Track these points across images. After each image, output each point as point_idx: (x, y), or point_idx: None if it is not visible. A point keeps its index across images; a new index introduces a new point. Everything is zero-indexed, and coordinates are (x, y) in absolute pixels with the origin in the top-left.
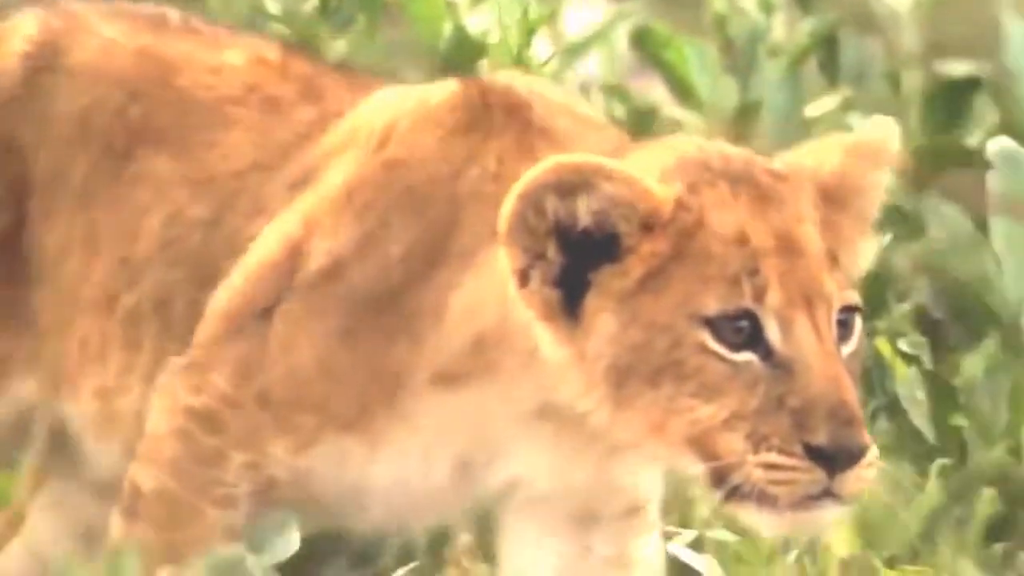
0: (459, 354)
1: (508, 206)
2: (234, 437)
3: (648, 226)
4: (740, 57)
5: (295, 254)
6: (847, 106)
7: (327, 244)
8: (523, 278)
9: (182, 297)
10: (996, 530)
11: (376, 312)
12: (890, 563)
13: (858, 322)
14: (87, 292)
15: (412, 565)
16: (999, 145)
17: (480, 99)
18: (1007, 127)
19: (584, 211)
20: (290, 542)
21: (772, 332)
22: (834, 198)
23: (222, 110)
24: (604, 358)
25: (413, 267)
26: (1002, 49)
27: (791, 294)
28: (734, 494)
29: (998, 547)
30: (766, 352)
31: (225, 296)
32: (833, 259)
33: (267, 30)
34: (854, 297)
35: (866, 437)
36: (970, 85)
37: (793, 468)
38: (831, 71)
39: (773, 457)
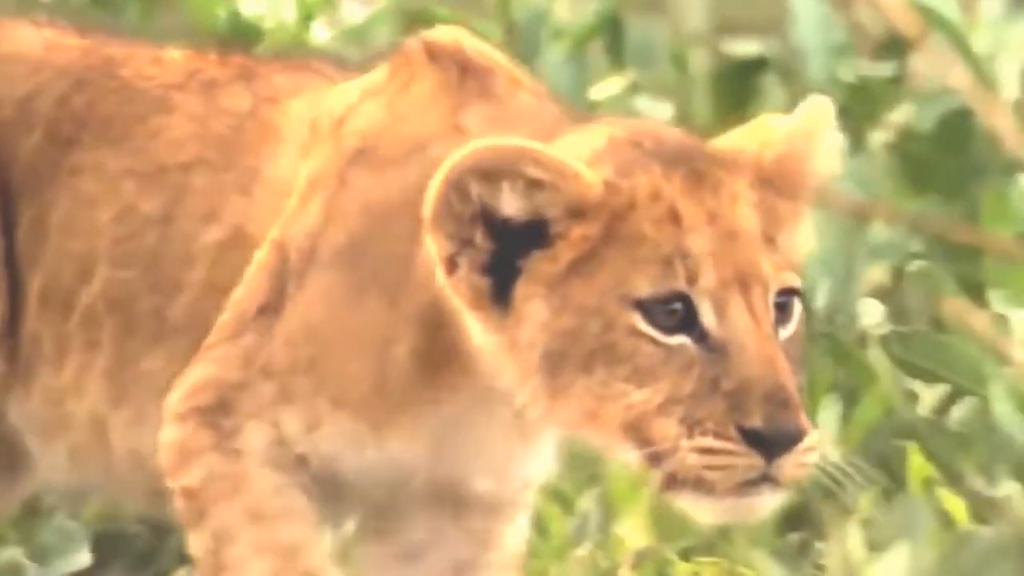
0: (430, 325)
1: (431, 191)
2: (246, 411)
3: (577, 210)
4: (523, 39)
5: (280, 250)
6: (633, 88)
7: (301, 228)
8: (451, 266)
9: (139, 298)
10: (792, 520)
11: (348, 267)
12: (684, 555)
13: (797, 305)
14: (37, 284)
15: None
16: None
17: (424, 54)
18: (795, 106)
19: (509, 196)
20: (80, 557)
21: (706, 315)
22: (772, 181)
23: (165, 96)
24: (536, 346)
25: (373, 217)
26: (789, 27)
27: (725, 276)
28: (671, 481)
29: (794, 537)
30: (700, 335)
31: (227, 310)
32: (771, 241)
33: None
34: (793, 280)
35: (804, 421)
36: (757, 64)
37: (729, 452)
38: (616, 53)
39: (708, 441)
